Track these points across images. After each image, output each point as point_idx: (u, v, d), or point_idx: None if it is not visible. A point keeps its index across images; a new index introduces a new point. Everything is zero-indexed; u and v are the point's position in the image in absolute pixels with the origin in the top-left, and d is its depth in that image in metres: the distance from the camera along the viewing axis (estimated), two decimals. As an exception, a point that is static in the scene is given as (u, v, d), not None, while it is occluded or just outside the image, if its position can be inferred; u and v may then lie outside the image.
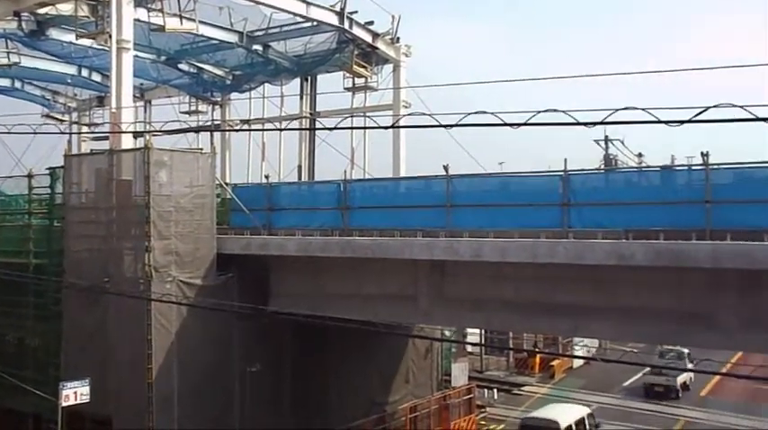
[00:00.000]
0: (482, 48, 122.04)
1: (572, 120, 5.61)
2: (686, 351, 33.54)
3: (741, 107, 5.19)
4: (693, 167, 17.02)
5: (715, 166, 14.86)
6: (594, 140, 55.21)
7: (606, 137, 54.62)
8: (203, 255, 20.01)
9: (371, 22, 29.76)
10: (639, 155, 57.11)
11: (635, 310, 15.54)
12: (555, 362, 39.54)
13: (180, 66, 32.63)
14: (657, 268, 14.47)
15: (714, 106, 5.27)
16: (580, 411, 25.19)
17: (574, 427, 23.51)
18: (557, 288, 16.44)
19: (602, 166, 49.93)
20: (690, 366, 33.32)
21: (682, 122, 5.34)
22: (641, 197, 16.18)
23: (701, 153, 14.73)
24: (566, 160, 16.13)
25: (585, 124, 5.69)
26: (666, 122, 5.40)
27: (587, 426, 24.45)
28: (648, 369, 34.87)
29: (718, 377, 37.45)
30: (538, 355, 39.19)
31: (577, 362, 40.64)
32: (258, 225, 21.22)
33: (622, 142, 55.55)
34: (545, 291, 16.63)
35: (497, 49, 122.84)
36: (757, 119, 5.17)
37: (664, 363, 35.13)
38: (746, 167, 15.51)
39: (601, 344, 40.69)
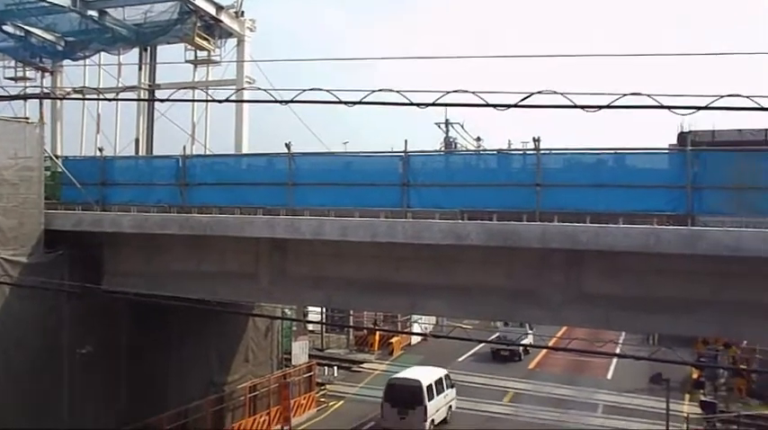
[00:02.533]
0: (337, 25, 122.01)
1: (405, 101, 5.73)
2: None
3: (562, 94, 5.48)
4: (527, 152, 17.74)
5: (546, 152, 15.58)
6: (436, 123, 56.83)
7: (447, 120, 56.34)
8: (29, 232, 18.82)
9: (216, -6, 29.01)
10: (478, 139, 59.31)
11: (470, 288, 16.11)
12: (394, 340, 40.64)
13: (4, 27, 30.36)
14: (491, 248, 15.06)
15: (538, 92, 5.53)
16: (438, 372, 28.85)
17: (434, 385, 27.31)
18: (396, 266, 16.78)
19: (443, 149, 51.50)
20: (530, 333, 36.60)
21: (508, 107, 5.57)
22: (478, 179, 16.70)
23: (533, 138, 15.44)
24: (406, 141, 16.46)
25: (418, 105, 5.82)
26: (495, 106, 5.62)
27: (444, 385, 28.36)
28: (496, 336, 39.92)
29: (544, 351, 39.88)
30: (377, 333, 40.04)
31: (415, 339, 41.93)
32: (91, 200, 20.25)
33: (462, 126, 57.46)
34: (385, 269, 16.93)
35: (353, 27, 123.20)
36: (576, 106, 5.48)
37: (507, 331, 39.59)
38: (575, 153, 16.44)
39: (438, 321, 42.18)
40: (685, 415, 27.11)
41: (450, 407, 28.95)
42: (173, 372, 23.10)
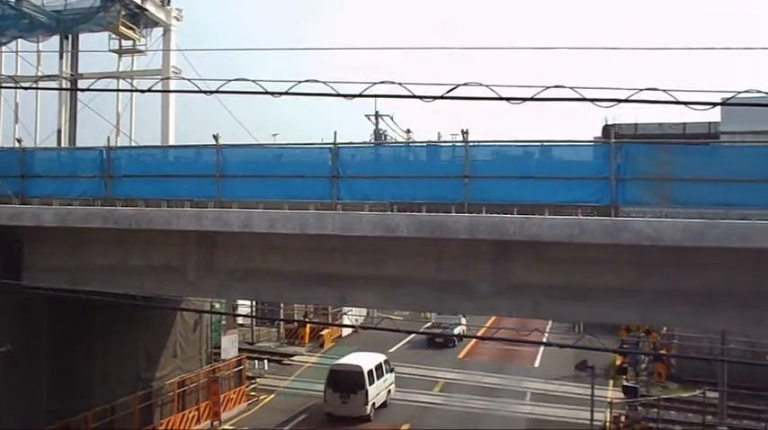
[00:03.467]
0: (270, 17, 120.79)
1: (333, 92, 5.70)
2: None
3: (487, 86, 5.55)
4: (456, 144, 17.87)
5: (474, 144, 15.73)
6: (366, 115, 56.84)
7: (377, 112, 56.40)
8: (-60, 226, 18.11)
9: (140, -19, 28.38)
10: (408, 131, 59.57)
11: (399, 279, 16.18)
12: (324, 332, 40.55)
13: None
14: (420, 239, 15.13)
15: (464, 84, 5.60)
16: (378, 358, 30.07)
17: (374, 370, 28.59)
18: (326, 258, 16.73)
19: (373, 141, 51.61)
20: (463, 323, 38.18)
21: (434, 98, 5.61)
22: (407, 171, 16.73)
23: (462, 131, 15.57)
24: (335, 133, 16.40)
25: (345, 96, 5.80)
26: (421, 97, 5.65)
27: (384, 370, 29.66)
28: (430, 323, 43.05)
29: (474, 340, 40.47)
30: (308, 325, 39.95)
31: (346, 331, 42.03)
32: (10, 193, 19.55)
33: (392, 118, 57.60)
34: (314, 261, 16.86)
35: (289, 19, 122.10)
36: (501, 98, 5.56)
37: (442, 318, 41.42)
38: (502, 145, 16.67)
39: (368, 313, 42.34)
40: (609, 400, 27.89)
41: (390, 391, 30.22)
42: (99, 369, 22.57)
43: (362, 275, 16.48)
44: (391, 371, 30.67)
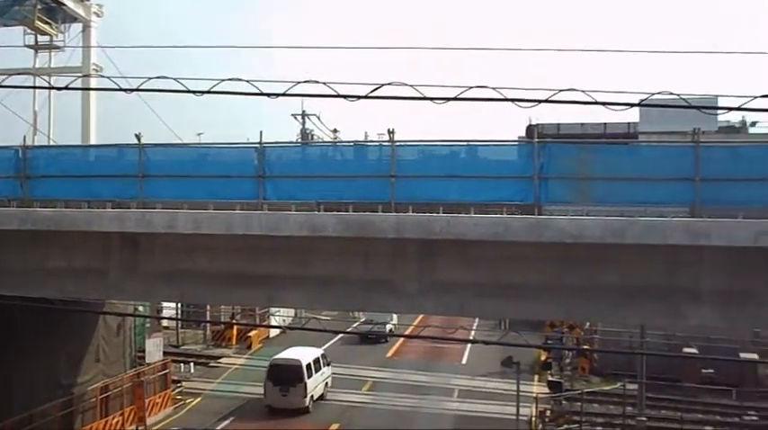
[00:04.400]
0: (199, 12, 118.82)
1: (257, 91, 5.65)
2: None
3: (411, 86, 5.59)
4: (383, 144, 17.93)
5: (401, 143, 15.82)
6: (292, 115, 56.51)
7: (303, 111, 56.12)
8: None
9: (58, -24, 27.59)
10: (335, 130, 59.46)
11: (327, 279, 16.10)
12: (252, 333, 40.21)
13: None
14: (347, 239, 15.13)
15: (388, 84, 5.63)
16: (316, 352, 31.26)
17: (312, 364, 29.72)
18: (252, 259, 16.55)
19: (299, 140, 51.41)
20: (394, 318, 40.73)
21: (359, 98, 5.61)
22: (334, 171, 16.72)
23: (388, 130, 15.63)
24: (261, 132, 16.29)
25: (268, 95, 5.75)
26: (345, 97, 5.65)
27: (321, 364, 30.87)
28: (362, 320, 43.49)
29: (402, 339, 40.75)
30: (235, 327, 39.54)
31: (274, 332, 41.77)
32: None
33: (318, 117, 57.39)
34: (241, 262, 16.66)
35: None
36: (425, 98, 5.61)
37: (373, 314, 41.07)
38: (428, 144, 16.82)
39: (296, 313, 42.18)
40: (535, 395, 28.43)
41: (327, 383, 31.39)
42: (16, 376, 21.83)
43: (290, 275, 16.35)
44: (328, 364, 31.67)
